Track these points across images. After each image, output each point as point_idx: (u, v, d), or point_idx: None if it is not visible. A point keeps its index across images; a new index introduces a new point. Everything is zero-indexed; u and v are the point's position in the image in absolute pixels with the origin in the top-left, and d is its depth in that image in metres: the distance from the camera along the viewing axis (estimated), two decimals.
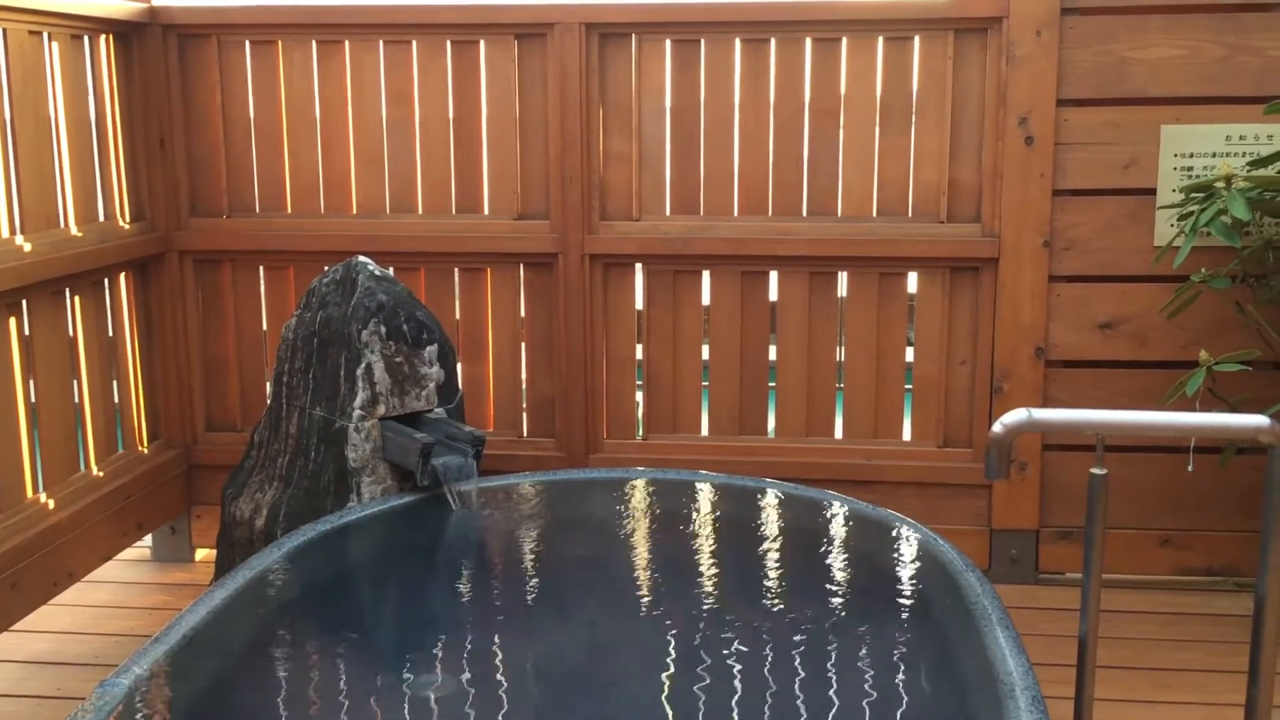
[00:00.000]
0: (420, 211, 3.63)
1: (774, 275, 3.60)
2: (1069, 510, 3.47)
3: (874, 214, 3.52)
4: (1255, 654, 2.01)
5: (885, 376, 3.58)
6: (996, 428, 1.96)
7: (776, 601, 2.57)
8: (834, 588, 2.60)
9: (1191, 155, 3.24)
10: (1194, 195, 3.01)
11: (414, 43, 3.56)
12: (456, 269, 3.65)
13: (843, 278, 3.58)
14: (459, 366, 3.42)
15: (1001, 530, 3.50)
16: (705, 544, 2.94)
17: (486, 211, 3.63)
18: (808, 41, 3.45)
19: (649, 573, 2.81)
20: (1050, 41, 3.28)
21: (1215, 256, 3.11)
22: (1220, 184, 2.93)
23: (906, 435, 3.63)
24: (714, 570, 2.79)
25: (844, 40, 3.44)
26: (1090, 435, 1.98)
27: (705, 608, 2.54)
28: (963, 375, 3.52)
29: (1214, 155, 3.21)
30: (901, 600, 2.51)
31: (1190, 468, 3.14)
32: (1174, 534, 3.46)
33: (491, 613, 2.59)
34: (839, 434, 3.64)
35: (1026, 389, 3.41)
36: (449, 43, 3.55)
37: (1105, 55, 3.29)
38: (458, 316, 3.66)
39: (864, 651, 2.30)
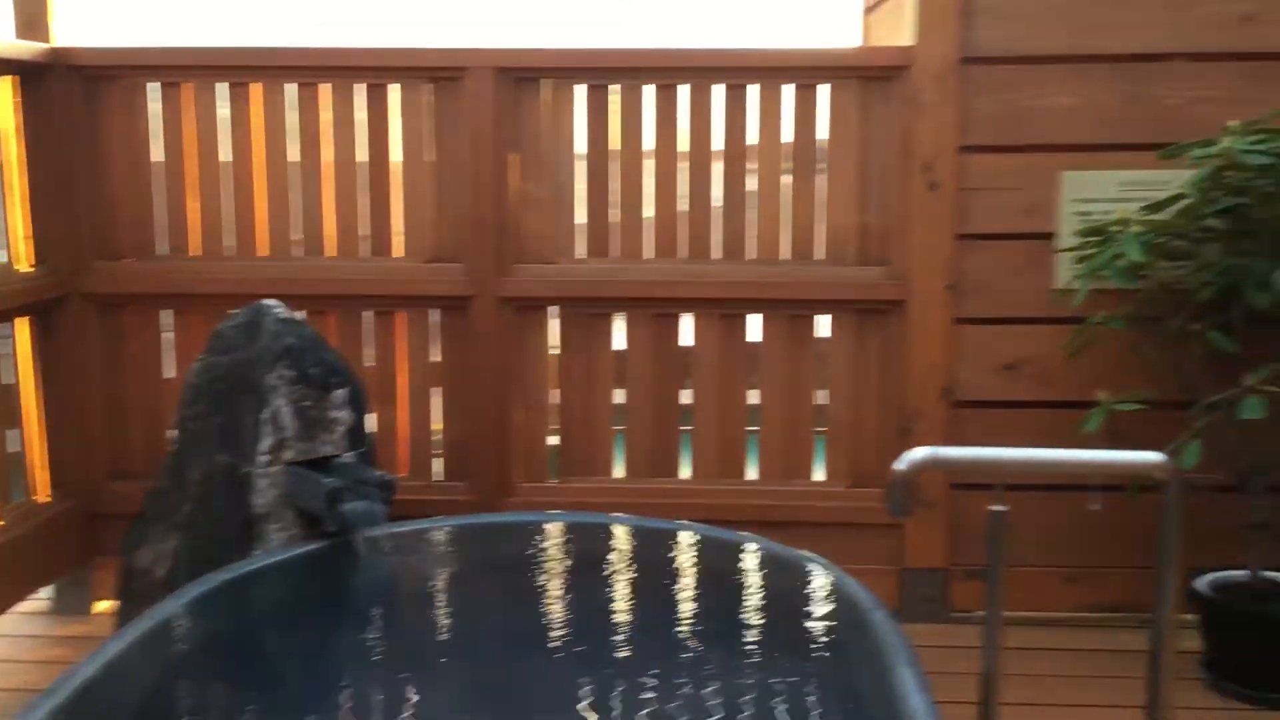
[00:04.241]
0: (331, 254, 3.60)
1: (688, 318, 3.63)
2: (979, 549, 3.50)
3: (785, 257, 3.57)
4: (1152, 688, 2.05)
5: (798, 418, 3.61)
6: (898, 465, 2.00)
7: (687, 641, 2.56)
8: (744, 627, 2.60)
9: (1090, 200, 3.34)
10: (1091, 239, 3.10)
11: (327, 85, 3.54)
12: (368, 312, 3.62)
13: (756, 320, 3.62)
14: (370, 410, 3.38)
15: (912, 569, 3.53)
16: (618, 586, 2.93)
17: (399, 254, 3.61)
18: (720, 88, 3.50)
19: (561, 617, 2.79)
20: (953, 90, 3.36)
21: (1115, 298, 3.19)
22: (1116, 228, 3.02)
23: (820, 476, 3.66)
24: (625, 612, 2.77)
25: (755, 87, 3.49)
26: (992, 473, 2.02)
27: (616, 650, 2.53)
28: (873, 416, 3.57)
29: (1111, 200, 3.30)
30: (810, 639, 2.52)
31: (1099, 505, 3.20)
32: (1080, 571, 3.51)
33: (400, 661, 2.55)
34: (753, 475, 3.66)
35: (935, 429, 3.46)
36: (364, 86, 3.54)
37: (1007, 103, 3.38)
38: (369, 360, 3.63)
39: (772, 691, 2.30)
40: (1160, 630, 2.05)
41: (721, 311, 3.57)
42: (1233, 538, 3.11)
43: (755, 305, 3.57)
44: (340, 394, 3.03)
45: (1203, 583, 3.14)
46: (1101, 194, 3.32)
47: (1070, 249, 3.27)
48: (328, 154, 3.57)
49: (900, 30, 3.51)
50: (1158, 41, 3.32)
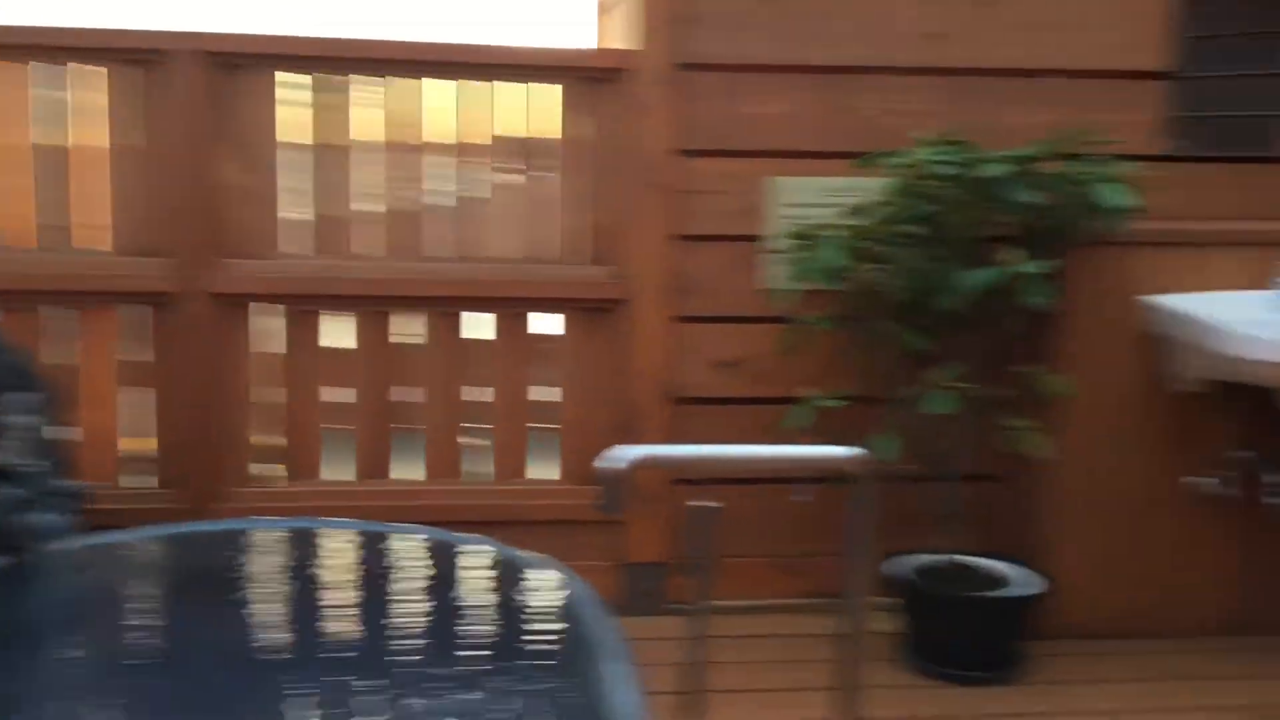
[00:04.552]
0: (27, 246, 3.34)
1: (413, 315, 3.56)
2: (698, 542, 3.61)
3: (512, 256, 3.56)
4: (845, 670, 2.16)
5: (526, 416, 3.61)
6: (602, 464, 2.02)
7: (395, 645, 2.51)
8: (462, 630, 2.57)
9: (796, 205, 3.48)
10: (799, 242, 3.23)
11: (21, 65, 3.29)
12: (66, 308, 3.38)
13: (482, 318, 3.59)
14: (65, 413, 3.15)
15: (634, 564, 3.59)
16: (335, 594, 2.84)
17: (102, 247, 3.38)
18: (450, 83, 3.46)
19: (272, 630, 2.68)
20: (672, 95, 3.44)
21: (824, 299, 3.34)
22: (819, 232, 3.16)
23: (548, 474, 3.67)
24: (342, 622, 2.69)
25: (488, 84, 3.47)
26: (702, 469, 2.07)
27: (331, 662, 2.45)
28: (600, 414, 3.60)
29: (815, 205, 3.46)
30: (526, 639, 2.51)
31: (809, 498, 3.34)
32: (794, 560, 3.66)
33: (90, 685, 2.39)
34: (481, 474, 3.63)
35: (657, 426, 3.53)
36: (65, 67, 3.30)
37: (723, 109, 3.48)
38: (66, 360, 3.39)
39: (478, 693, 2.28)
40: (852, 614, 2.15)
41: (445, 310, 3.53)
42: (934, 524, 3.32)
43: (481, 304, 3.55)
44: (23, 398, 2.81)
45: (901, 566, 3.33)
46: (807, 199, 3.47)
47: (778, 251, 3.40)
48: (14, 137, 3.31)
49: (629, 33, 3.56)
50: (858, 55, 3.50)
